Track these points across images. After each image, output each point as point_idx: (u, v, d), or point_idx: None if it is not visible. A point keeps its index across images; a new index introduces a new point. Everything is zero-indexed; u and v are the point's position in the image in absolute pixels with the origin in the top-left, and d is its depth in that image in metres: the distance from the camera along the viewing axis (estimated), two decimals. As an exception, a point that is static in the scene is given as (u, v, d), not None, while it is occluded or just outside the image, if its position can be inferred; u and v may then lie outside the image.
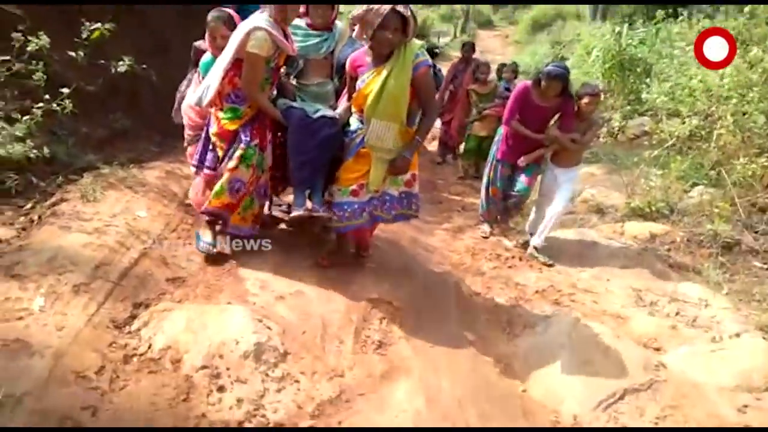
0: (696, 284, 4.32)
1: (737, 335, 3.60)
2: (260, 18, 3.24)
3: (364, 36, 3.13)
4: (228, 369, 2.38)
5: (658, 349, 3.52)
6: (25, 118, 3.61)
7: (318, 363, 2.63)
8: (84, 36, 4.37)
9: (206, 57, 3.69)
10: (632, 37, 10.33)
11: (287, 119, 3.48)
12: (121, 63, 4.68)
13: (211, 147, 3.63)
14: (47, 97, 3.70)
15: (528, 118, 4.67)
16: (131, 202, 3.86)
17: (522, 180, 4.87)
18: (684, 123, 5.49)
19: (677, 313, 3.90)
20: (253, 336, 2.58)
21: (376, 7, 2.98)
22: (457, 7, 29.68)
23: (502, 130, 4.95)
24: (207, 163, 3.66)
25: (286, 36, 3.35)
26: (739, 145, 5.12)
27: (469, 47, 8.18)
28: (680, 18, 10.34)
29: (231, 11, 3.60)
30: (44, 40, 3.69)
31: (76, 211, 3.52)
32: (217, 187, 3.44)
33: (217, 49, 3.47)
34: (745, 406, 3.00)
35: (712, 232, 4.80)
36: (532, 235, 4.99)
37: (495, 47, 25.99)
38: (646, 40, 10.55)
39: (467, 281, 4.24)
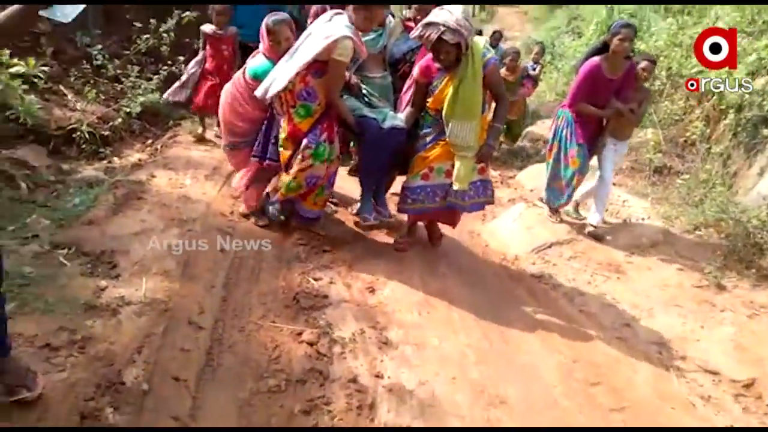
0: (628, 194, 5.86)
1: (643, 219, 5.18)
2: (343, 25, 3.31)
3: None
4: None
5: (583, 227, 5.10)
6: (155, 77, 5.35)
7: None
8: (175, 21, 5.99)
9: (261, 62, 3.69)
10: (623, 11, 11.63)
11: (362, 128, 3.58)
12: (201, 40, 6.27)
13: (273, 141, 3.77)
14: (170, 62, 5.41)
15: (597, 94, 4.48)
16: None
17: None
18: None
19: (606, 210, 5.47)
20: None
21: (426, 34, 3.20)
22: (476, -16, 30.51)
23: (570, 114, 4.66)
24: (269, 155, 3.80)
25: None
26: (671, 92, 6.62)
27: (498, 36, 8.64)
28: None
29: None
30: (171, 23, 5.32)
31: (189, 140, 5.25)
32: (290, 182, 3.63)
33: (277, 54, 3.57)
34: (632, 253, 4.60)
35: (648, 160, 6.32)
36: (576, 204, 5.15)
37: (514, 23, 26.99)
38: (637, 12, 11.84)
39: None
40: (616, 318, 3.77)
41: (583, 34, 14.53)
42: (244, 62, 4.89)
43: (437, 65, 3.39)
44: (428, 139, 3.58)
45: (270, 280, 3.31)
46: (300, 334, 2.86)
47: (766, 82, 5.47)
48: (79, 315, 2.63)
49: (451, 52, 3.23)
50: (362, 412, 2.44)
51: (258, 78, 3.62)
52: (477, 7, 28.48)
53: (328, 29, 3.32)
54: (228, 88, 3.82)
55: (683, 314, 3.88)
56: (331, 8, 3.64)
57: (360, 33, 3.46)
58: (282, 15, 3.69)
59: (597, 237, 4.79)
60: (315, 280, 3.35)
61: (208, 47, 5.24)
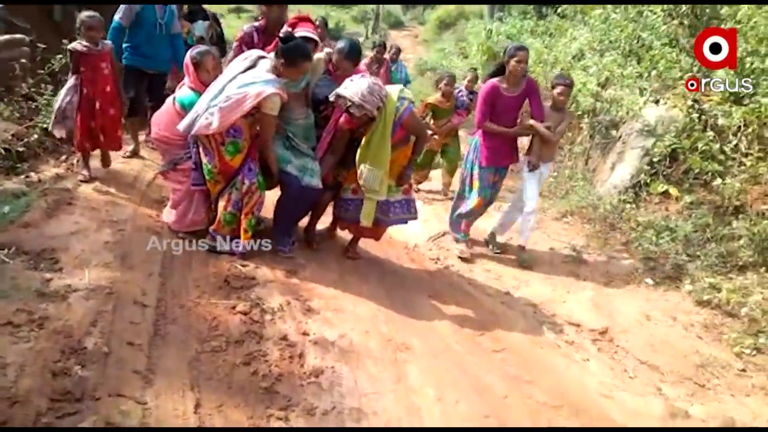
0: (506, 192, 6.72)
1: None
2: (270, 79, 3.57)
3: None
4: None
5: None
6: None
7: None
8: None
9: (187, 94, 3.90)
10: (501, 33, 12.93)
11: (285, 184, 3.93)
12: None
13: (194, 167, 3.91)
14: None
15: (501, 113, 4.61)
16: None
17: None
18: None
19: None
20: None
21: (338, 104, 3.66)
22: (369, 8, 31.76)
23: (478, 139, 4.81)
24: (194, 181, 3.95)
25: None
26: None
27: (381, 47, 7.93)
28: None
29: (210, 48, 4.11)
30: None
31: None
32: (251, 220, 3.90)
33: (204, 84, 3.80)
34: (511, 238, 5.41)
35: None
36: (494, 234, 5.30)
37: (405, 46, 28.31)
38: (514, 34, 13.19)
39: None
40: (499, 288, 4.52)
41: (468, 55, 15.85)
42: (133, 89, 5.23)
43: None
44: None
45: (201, 268, 3.74)
46: (234, 307, 3.31)
47: (614, 92, 6.56)
48: (32, 300, 2.95)
49: (360, 117, 3.63)
50: (293, 360, 2.95)
51: (185, 108, 3.84)
52: (370, 29, 29.66)
53: (255, 82, 3.55)
54: (161, 113, 4.08)
55: (553, 283, 4.72)
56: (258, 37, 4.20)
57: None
58: (203, 47, 4.04)
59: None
60: (242, 266, 3.82)
61: (82, 69, 4.54)
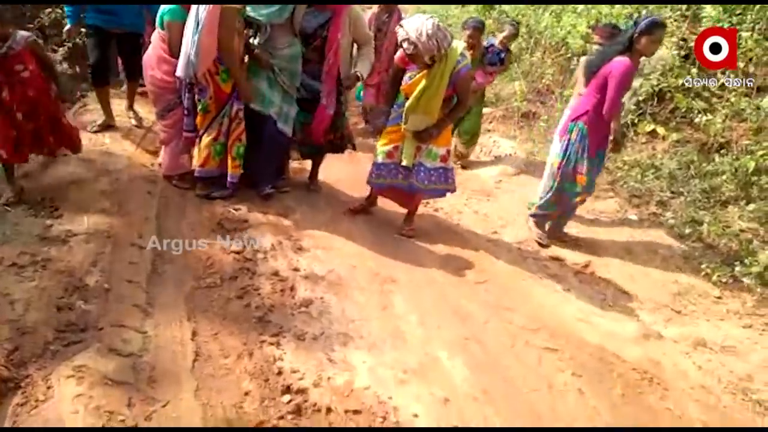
0: (501, 137, 6.82)
1: (510, 155, 6.15)
2: None
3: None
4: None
5: (464, 167, 6.00)
6: (60, 49, 5.62)
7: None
8: None
9: (167, 6, 3.77)
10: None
11: (261, 124, 3.98)
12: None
13: (186, 113, 3.95)
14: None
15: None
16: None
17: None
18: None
19: (482, 150, 6.40)
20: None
21: (397, 37, 3.46)
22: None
23: (584, 126, 4.06)
24: (186, 127, 4.01)
25: None
26: (532, 47, 7.68)
27: None
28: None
29: None
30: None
31: (99, 108, 5.58)
32: (239, 148, 4.01)
33: None
34: (500, 181, 5.54)
35: (516, 108, 7.30)
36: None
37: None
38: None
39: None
40: (486, 227, 4.66)
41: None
42: (96, 53, 4.56)
43: None
44: (395, 116, 3.84)
45: (195, 213, 3.88)
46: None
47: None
48: (35, 243, 3.13)
49: (411, 56, 3.42)
50: (285, 292, 3.13)
51: (171, 20, 3.75)
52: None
53: None
54: (149, 53, 4.00)
55: (539, 222, 4.82)
56: None
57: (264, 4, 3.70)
58: None
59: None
60: (235, 210, 3.97)
61: None
